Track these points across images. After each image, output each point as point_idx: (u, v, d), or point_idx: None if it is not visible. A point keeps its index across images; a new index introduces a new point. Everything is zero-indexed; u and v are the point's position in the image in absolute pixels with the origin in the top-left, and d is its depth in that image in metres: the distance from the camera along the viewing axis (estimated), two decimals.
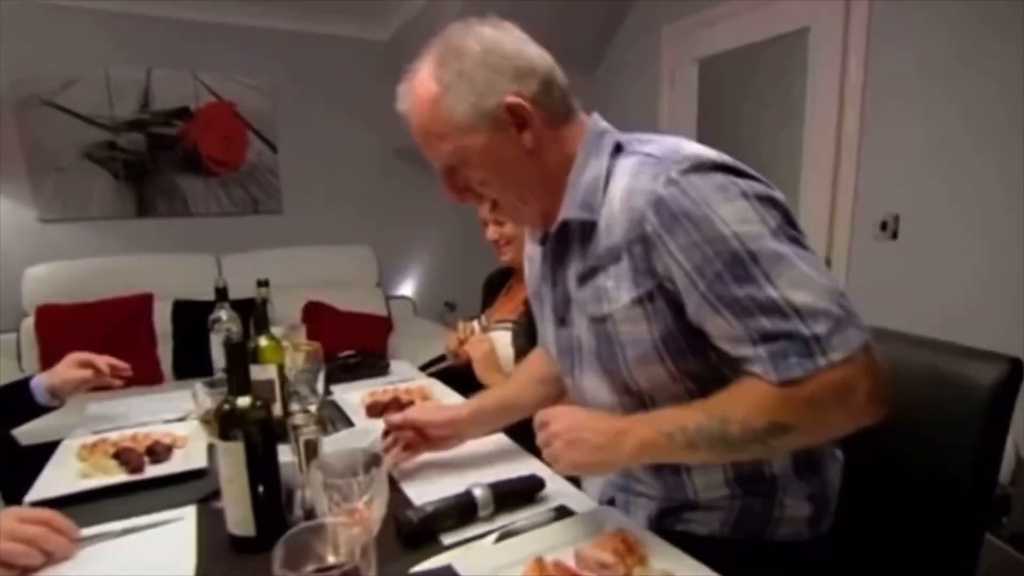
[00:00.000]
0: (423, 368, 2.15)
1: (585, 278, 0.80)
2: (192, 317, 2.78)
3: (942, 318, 1.63)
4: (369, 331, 3.06)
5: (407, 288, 3.89)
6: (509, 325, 1.48)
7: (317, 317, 2.92)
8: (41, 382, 1.24)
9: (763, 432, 0.66)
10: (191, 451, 1.15)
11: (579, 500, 0.97)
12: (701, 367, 0.77)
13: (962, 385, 0.88)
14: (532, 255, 0.99)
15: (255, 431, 0.82)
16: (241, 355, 0.83)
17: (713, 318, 0.69)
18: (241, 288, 1.85)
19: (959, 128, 1.81)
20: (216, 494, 0.96)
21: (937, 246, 1.89)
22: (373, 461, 0.70)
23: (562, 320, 0.87)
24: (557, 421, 0.77)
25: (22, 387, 1.23)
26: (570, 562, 0.77)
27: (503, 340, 1.48)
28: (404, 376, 1.68)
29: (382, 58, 3.56)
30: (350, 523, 0.62)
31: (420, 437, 1.03)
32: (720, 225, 0.66)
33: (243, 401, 0.82)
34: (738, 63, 2.63)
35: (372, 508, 0.66)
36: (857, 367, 0.64)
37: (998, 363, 0.86)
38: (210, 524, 0.90)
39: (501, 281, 1.70)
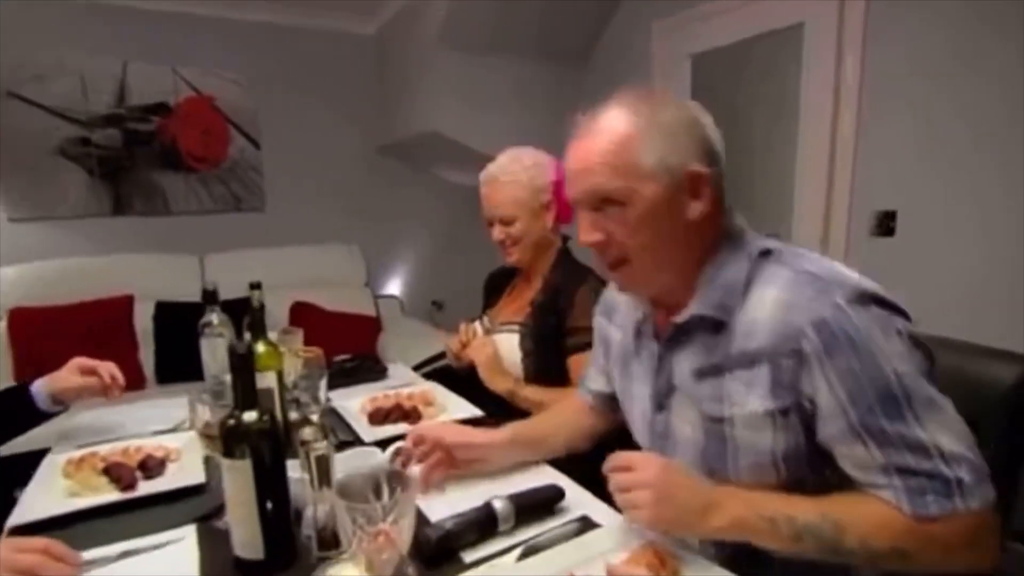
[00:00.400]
0: (416, 368, 2.11)
1: (705, 374, 0.79)
2: (175, 319, 2.69)
3: (940, 316, 1.63)
4: (359, 332, 3.00)
5: (394, 287, 3.83)
6: (515, 328, 1.44)
7: (305, 318, 2.85)
8: (42, 388, 1.18)
9: (881, 554, 0.68)
10: (186, 464, 1.09)
11: (601, 510, 0.94)
12: (814, 481, 0.76)
13: (985, 385, 0.87)
14: (610, 331, 1.01)
15: (263, 447, 0.77)
16: (247, 365, 0.78)
17: (852, 445, 0.70)
18: (226, 289, 1.77)
19: (956, 125, 1.81)
20: (217, 512, 0.91)
21: (935, 243, 1.89)
22: (398, 480, 0.66)
23: (660, 406, 0.86)
24: (648, 470, 0.73)
25: (20, 392, 1.17)
26: None
27: (509, 343, 1.43)
28: (403, 380, 1.63)
29: (367, 53, 3.49)
30: (381, 547, 0.58)
31: (447, 456, 1.00)
32: (881, 360, 0.67)
33: (249, 416, 0.77)
34: (731, 59, 2.62)
35: (400, 528, 0.62)
36: (988, 520, 0.67)
37: (1019, 363, 0.85)
38: (213, 545, 0.84)
39: (504, 281, 1.64)
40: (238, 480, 0.76)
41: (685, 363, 0.82)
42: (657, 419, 0.87)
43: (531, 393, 1.36)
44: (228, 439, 0.76)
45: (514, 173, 1.43)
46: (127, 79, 2.91)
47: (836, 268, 0.74)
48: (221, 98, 3.15)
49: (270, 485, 0.78)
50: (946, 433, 0.67)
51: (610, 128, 0.77)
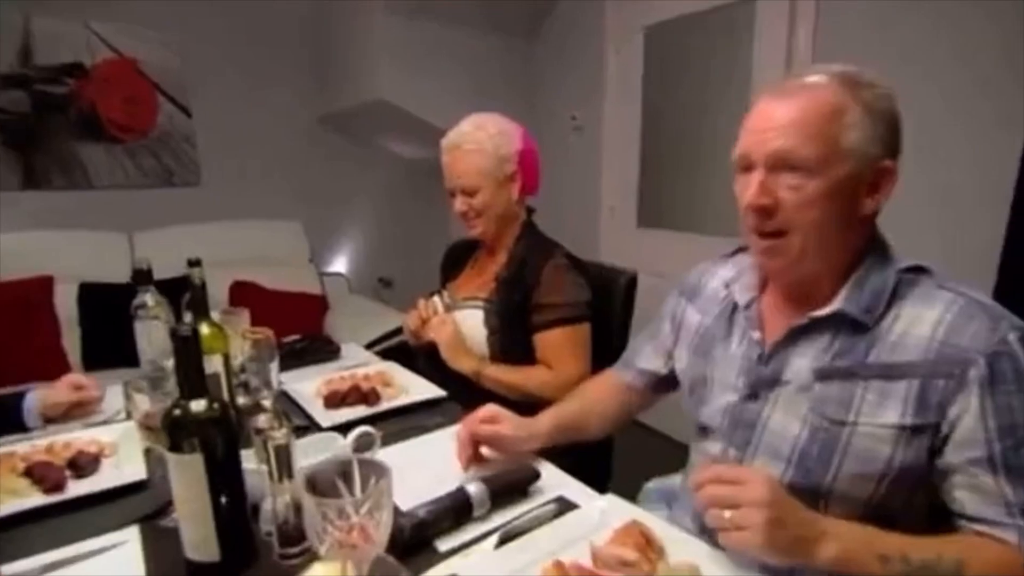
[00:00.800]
0: (369, 347, 2.03)
1: (832, 376, 0.76)
2: (103, 301, 2.50)
3: None
4: (304, 311, 2.87)
5: (340, 265, 3.69)
6: (480, 304, 1.38)
7: (246, 297, 2.69)
8: (35, 403, 1.13)
9: None
10: (122, 459, 0.99)
11: (577, 490, 0.91)
12: (902, 505, 0.75)
13: None
14: (688, 313, 0.99)
15: (215, 439, 0.70)
16: (193, 350, 0.70)
17: (983, 475, 0.68)
18: (160, 269, 1.63)
19: (910, 78, 1.84)
20: (163, 510, 0.83)
21: (887, 207, 1.94)
22: (372, 469, 0.60)
23: (754, 395, 0.82)
24: (759, 487, 0.66)
25: (12, 405, 1.12)
26: (587, 562, 0.71)
27: (472, 320, 1.37)
28: (357, 360, 1.56)
29: (308, 15, 3.28)
30: (356, 544, 0.52)
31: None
32: None
33: (198, 405, 0.70)
34: (685, 33, 2.60)
35: (377, 522, 0.56)
36: None
37: None
38: (159, 546, 0.77)
39: (466, 254, 1.57)
40: (188, 476, 0.68)
41: (805, 360, 0.78)
42: (747, 408, 0.83)
43: (498, 372, 1.32)
44: (174, 432, 0.69)
45: (478, 141, 1.35)
46: (32, 33, 2.62)
47: (993, 303, 0.73)
48: (147, 61, 2.90)
49: (224, 480, 0.71)
50: None
51: (822, 94, 0.73)
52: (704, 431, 0.92)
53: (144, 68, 2.90)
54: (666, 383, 1.05)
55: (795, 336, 0.80)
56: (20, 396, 1.15)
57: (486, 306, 1.37)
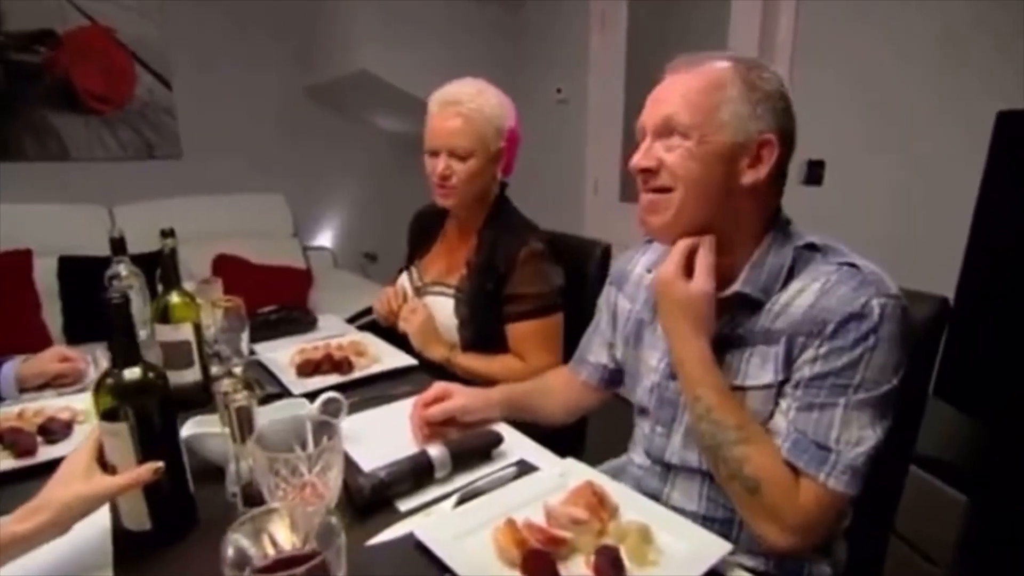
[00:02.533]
0: (351, 321, 2.04)
1: (725, 346, 0.81)
2: (83, 274, 2.48)
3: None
4: (288, 285, 2.86)
5: (325, 239, 3.68)
6: (449, 291, 1.34)
7: (229, 271, 2.69)
8: (12, 371, 1.12)
9: (743, 476, 0.73)
10: (96, 427, 1.00)
11: (538, 453, 0.94)
12: None
13: None
14: (620, 301, 1.02)
15: (150, 407, 0.70)
16: (124, 315, 0.69)
17: (790, 399, 0.76)
18: (140, 242, 1.65)
19: (887, 72, 1.85)
20: None
21: (861, 191, 1.96)
22: (324, 429, 0.62)
23: (674, 375, 0.85)
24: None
25: None
26: (541, 520, 0.73)
27: (442, 307, 1.34)
28: (333, 331, 1.57)
29: None
30: (304, 501, 0.54)
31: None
32: (864, 363, 0.71)
33: (131, 373, 0.70)
34: (667, 3, 2.58)
35: (327, 480, 0.58)
36: (836, 507, 0.73)
37: (932, 302, 0.90)
38: None
39: (434, 223, 1.49)
40: (117, 444, 0.69)
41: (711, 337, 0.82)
42: (670, 386, 0.88)
43: (468, 361, 1.30)
44: (106, 400, 0.69)
45: (480, 106, 1.26)
46: None
47: (879, 272, 0.76)
48: (124, 30, 2.84)
49: (156, 449, 0.71)
50: (858, 439, 0.72)
51: (708, 70, 0.78)
52: (641, 412, 0.96)
53: (120, 37, 2.84)
54: (618, 375, 1.07)
55: None
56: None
57: (456, 295, 1.33)
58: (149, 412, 0.70)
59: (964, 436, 1.42)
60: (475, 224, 1.37)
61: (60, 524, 0.63)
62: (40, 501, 0.63)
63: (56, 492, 0.64)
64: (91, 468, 0.67)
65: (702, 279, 0.77)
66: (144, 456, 0.69)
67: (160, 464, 0.69)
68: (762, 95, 0.77)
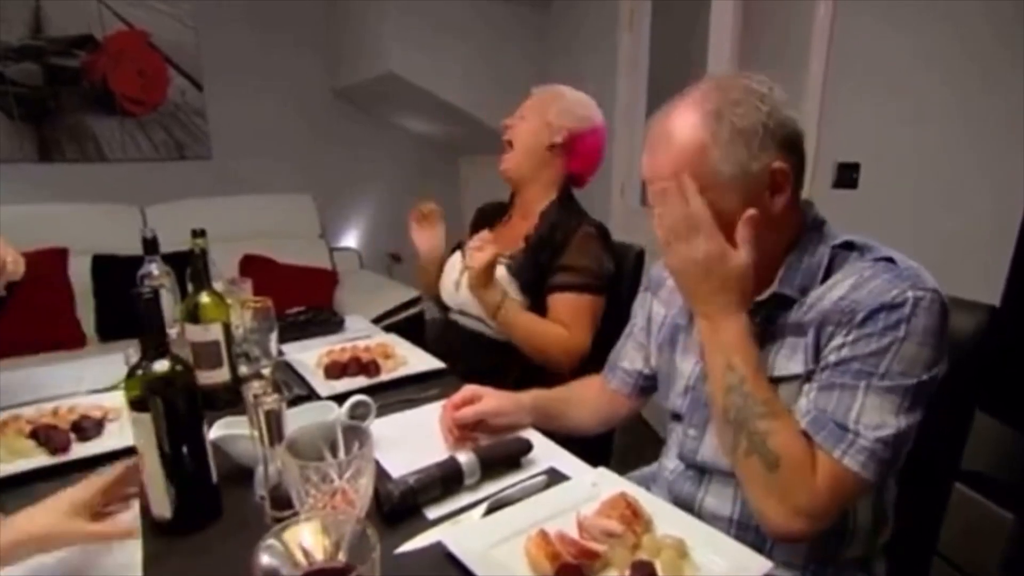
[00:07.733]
0: (376, 321, 2.04)
1: (759, 342, 0.78)
2: (117, 273, 2.53)
3: None
4: (314, 285, 2.89)
5: (351, 240, 3.71)
6: (504, 261, 1.37)
7: (256, 271, 2.71)
8: None
9: (766, 451, 0.71)
10: (126, 424, 1.00)
11: (569, 461, 0.92)
12: None
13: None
14: (654, 306, 1.02)
15: (176, 398, 0.72)
16: (154, 309, 0.71)
17: (814, 382, 0.74)
18: (171, 241, 1.67)
19: (923, 76, 1.80)
20: None
21: (897, 196, 1.90)
22: (355, 435, 0.60)
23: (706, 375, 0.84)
24: (726, 251, 0.75)
25: None
26: (573, 532, 0.71)
27: (499, 271, 1.35)
28: (360, 332, 1.57)
29: None
30: (335, 509, 0.53)
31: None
32: (892, 353, 0.69)
33: (160, 365, 0.72)
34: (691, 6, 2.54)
35: (358, 487, 0.57)
36: (848, 489, 0.70)
37: (980, 311, 0.87)
38: None
39: (496, 215, 1.58)
40: (142, 433, 0.71)
41: None
42: (702, 389, 0.85)
43: (518, 312, 1.31)
44: (135, 391, 0.71)
45: (547, 98, 1.44)
46: (42, 5, 2.63)
47: (917, 267, 0.74)
48: (158, 35, 2.90)
49: (184, 440, 0.73)
50: (879, 424, 0.69)
51: (685, 138, 0.75)
52: (674, 417, 0.94)
53: (155, 41, 2.90)
54: (651, 381, 1.04)
55: None
56: None
57: (510, 264, 1.37)
58: (175, 403, 0.72)
59: (1012, 452, 1.36)
60: (538, 206, 1.44)
61: (14, 551, 0.62)
62: (12, 521, 0.63)
63: (36, 517, 0.64)
64: (75, 508, 0.67)
65: (745, 252, 0.74)
66: (172, 445, 0.71)
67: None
68: (750, 129, 0.73)
